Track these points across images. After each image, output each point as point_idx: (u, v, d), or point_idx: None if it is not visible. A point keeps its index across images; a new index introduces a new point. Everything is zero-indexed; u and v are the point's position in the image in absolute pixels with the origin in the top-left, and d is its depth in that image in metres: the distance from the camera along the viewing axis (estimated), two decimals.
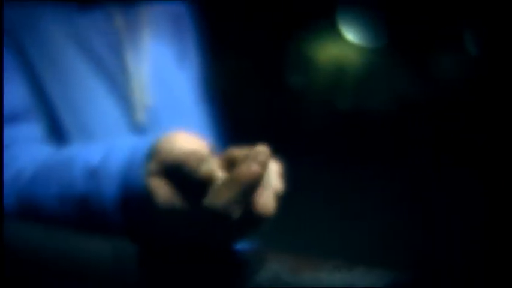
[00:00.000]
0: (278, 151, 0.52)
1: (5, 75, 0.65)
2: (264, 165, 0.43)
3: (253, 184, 0.43)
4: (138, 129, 0.72)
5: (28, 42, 0.67)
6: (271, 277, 0.43)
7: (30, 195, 0.55)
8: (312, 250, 0.45)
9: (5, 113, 0.63)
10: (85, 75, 0.70)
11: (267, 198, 0.44)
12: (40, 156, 0.58)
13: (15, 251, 0.52)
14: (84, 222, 0.51)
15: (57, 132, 0.67)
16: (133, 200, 0.48)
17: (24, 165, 0.58)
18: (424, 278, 0.40)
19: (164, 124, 0.73)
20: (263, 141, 0.46)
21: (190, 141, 0.47)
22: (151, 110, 0.73)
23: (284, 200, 0.47)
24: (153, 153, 0.47)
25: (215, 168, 0.45)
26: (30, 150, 0.61)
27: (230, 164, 0.47)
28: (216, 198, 0.43)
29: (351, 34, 6.75)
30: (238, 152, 0.47)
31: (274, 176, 0.47)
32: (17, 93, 0.65)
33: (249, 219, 0.44)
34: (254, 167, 0.42)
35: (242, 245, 0.48)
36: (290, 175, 0.52)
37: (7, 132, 0.63)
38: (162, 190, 0.45)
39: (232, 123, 0.88)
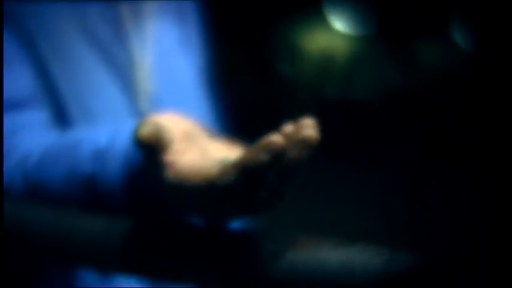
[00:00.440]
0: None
1: (11, 62, 0.66)
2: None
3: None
4: (141, 116, 0.73)
5: (34, 29, 0.69)
6: (270, 255, 0.44)
7: (37, 176, 0.56)
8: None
9: (10, 99, 0.64)
10: (90, 63, 0.71)
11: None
12: (46, 140, 0.60)
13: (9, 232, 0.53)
14: (91, 202, 0.53)
15: (62, 119, 0.68)
16: (140, 179, 0.50)
17: (31, 148, 0.59)
18: (423, 255, 0.41)
19: (167, 111, 0.74)
20: (252, 130, 0.45)
21: (183, 121, 0.48)
22: (155, 97, 0.75)
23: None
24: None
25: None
26: (36, 135, 0.63)
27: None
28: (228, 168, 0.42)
29: (339, 23, 6.75)
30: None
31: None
32: (22, 80, 0.67)
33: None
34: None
35: (241, 225, 0.50)
36: None
37: (13, 118, 0.64)
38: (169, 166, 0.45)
39: (226, 110, 0.90)
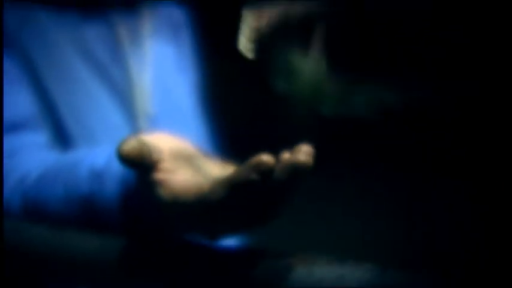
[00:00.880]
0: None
1: (11, 83, 0.67)
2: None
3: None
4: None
5: (32, 49, 0.69)
6: (265, 272, 0.44)
7: (35, 196, 0.57)
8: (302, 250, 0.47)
9: (10, 121, 0.65)
10: (88, 83, 0.72)
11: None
12: (45, 160, 0.60)
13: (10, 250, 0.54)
14: (88, 222, 0.53)
15: (61, 139, 0.69)
16: (136, 198, 0.50)
17: (30, 169, 0.60)
18: (416, 274, 0.41)
19: (164, 131, 0.75)
20: (248, 148, 0.46)
21: (174, 141, 0.49)
22: (153, 117, 0.75)
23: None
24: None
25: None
26: (35, 155, 0.63)
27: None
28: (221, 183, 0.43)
29: None
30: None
31: None
32: (22, 101, 0.67)
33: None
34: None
35: (235, 243, 0.50)
36: None
37: (12, 140, 0.64)
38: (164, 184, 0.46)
39: (222, 128, 0.90)
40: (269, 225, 0.47)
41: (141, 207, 0.50)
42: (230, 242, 0.49)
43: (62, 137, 0.69)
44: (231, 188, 0.42)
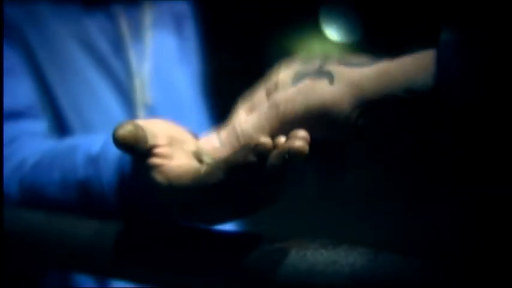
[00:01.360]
0: None
1: (11, 72, 0.67)
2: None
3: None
4: None
5: (34, 40, 0.70)
6: (259, 256, 0.45)
7: (32, 181, 0.57)
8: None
9: (10, 109, 0.66)
10: (88, 74, 0.73)
11: None
12: (42, 147, 0.61)
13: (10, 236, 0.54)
14: (85, 206, 0.54)
15: (61, 129, 0.70)
16: (132, 183, 0.51)
17: (27, 155, 0.60)
18: (409, 257, 0.42)
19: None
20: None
21: (170, 126, 0.50)
22: (151, 107, 0.76)
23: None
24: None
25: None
26: (33, 143, 0.64)
27: None
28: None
29: (334, 33, 6.78)
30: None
31: None
32: (22, 90, 0.68)
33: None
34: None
35: (230, 228, 0.51)
36: None
37: (12, 127, 0.65)
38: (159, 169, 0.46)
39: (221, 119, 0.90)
40: (264, 214, 0.47)
41: (137, 192, 0.51)
42: (225, 228, 0.49)
43: (61, 127, 0.70)
44: (228, 169, 0.42)
